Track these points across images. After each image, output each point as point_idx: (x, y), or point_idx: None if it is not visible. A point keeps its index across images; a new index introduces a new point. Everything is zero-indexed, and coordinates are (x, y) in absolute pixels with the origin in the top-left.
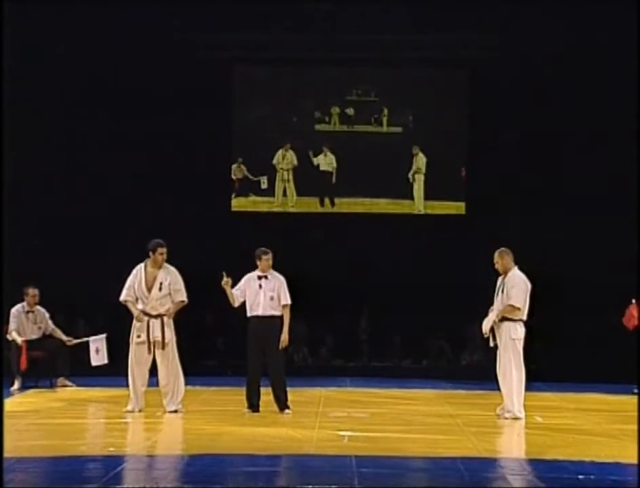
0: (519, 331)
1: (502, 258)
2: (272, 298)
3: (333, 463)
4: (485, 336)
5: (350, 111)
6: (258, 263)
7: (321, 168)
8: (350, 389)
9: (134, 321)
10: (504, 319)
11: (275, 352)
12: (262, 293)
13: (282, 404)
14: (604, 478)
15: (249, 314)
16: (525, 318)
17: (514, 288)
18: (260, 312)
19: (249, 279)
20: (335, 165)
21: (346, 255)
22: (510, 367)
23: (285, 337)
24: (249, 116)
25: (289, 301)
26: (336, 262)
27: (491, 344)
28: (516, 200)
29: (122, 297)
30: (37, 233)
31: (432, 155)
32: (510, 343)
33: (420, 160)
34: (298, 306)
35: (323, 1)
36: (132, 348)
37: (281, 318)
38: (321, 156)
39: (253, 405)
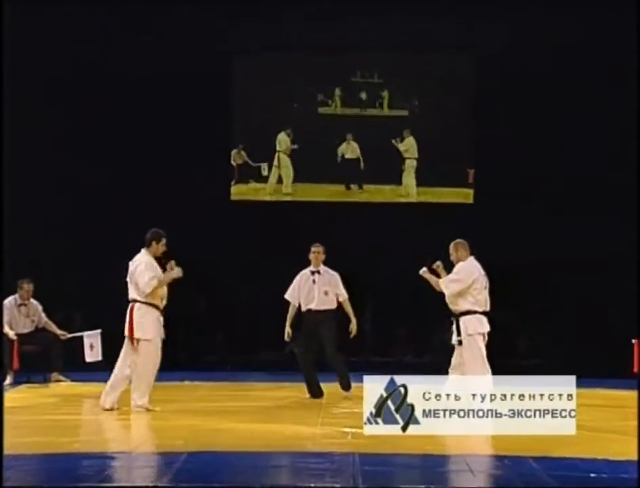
0: (477, 326)
1: (456, 250)
2: (326, 293)
3: (335, 461)
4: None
5: (353, 93)
6: (310, 257)
7: (346, 156)
8: (353, 384)
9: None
10: (461, 314)
11: (329, 341)
12: (315, 288)
13: (345, 384)
14: (616, 476)
15: (303, 309)
16: (480, 310)
17: (452, 273)
18: (313, 306)
19: (302, 276)
20: (359, 152)
21: (347, 245)
22: (471, 365)
23: (354, 327)
24: (249, 100)
25: (346, 296)
26: (338, 253)
27: (453, 340)
28: (524, 188)
29: (150, 286)
30: (35, 228)
31: (439, 140)
32: (468, 340)
33: (409, 143)
34: None
35: None
36: (156, 343)
37: (332, 311)
38: (344, 145)
39: (315, 394)
